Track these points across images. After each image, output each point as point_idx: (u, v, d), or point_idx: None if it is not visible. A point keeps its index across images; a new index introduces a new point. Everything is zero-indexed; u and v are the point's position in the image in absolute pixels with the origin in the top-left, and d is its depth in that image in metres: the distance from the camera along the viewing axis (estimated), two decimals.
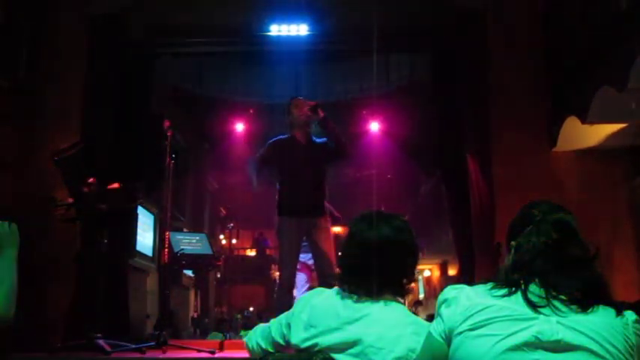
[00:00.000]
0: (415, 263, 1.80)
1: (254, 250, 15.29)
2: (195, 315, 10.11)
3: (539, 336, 1.31)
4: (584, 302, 1.34)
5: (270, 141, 4.47)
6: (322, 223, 4.20)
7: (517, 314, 1.34)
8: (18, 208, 4.53)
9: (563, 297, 1.35)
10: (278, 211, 4.32)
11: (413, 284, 1.82)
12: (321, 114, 4.26)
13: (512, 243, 1.49)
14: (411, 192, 12.46)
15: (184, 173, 9.41)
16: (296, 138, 4.37)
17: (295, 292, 4.54)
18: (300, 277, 5.10)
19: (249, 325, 8.12)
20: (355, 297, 1.71)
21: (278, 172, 4.39)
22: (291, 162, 4.30)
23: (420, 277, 16.38)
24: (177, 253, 6.22)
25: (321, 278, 4.33)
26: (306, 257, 4.77)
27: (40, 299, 4.61)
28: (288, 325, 1.76)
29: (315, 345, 1.66)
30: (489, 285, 1.43)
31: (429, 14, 5.56)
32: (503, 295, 1.39)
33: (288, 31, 5.71)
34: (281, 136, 4.47)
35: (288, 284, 4.24)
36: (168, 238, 4.15)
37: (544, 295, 1.36)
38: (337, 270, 1.83)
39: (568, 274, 1.38)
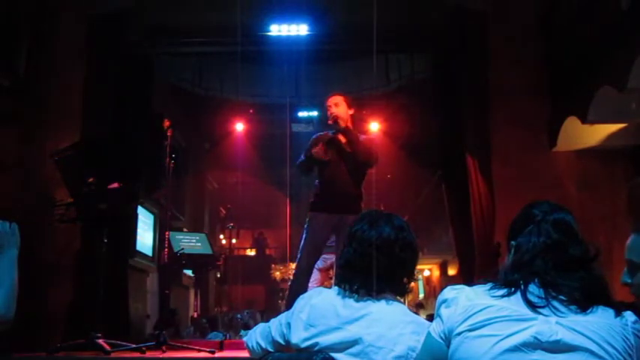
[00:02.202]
0: (415, 262, 1.81)
1: (254, 250, 15.31)
2: (195, 315, 10.12)
3: (538, 336, 1.30)
4: (583, 303, 1.34)
5: (314, 137, 4.32)
6: (351, 220, 4.08)
7: (516, 315, 1.34)
8: (18, 208, 4.53)
9: (562, 297, 1.35)
10: (311, 206, 4.21)
11: (413, 284, 1.82)
12: (340, 125, 4.07)
13: (513, 243, 1.49)
14: (411, 192, 12.46)
15: (184, 173, 9.43)
16: (337, 135, 4.20)
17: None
18: (315, 276, 5.07)
19: (249, 325, 8.12)
20: (355, 296, 1.71)
21: (318, 168, 4.24)
22: (330, 159, 4.12)
23: (420, 277, 16.39)
24: (177, 253, 6.22)
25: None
26: (327, 258, 4.75)
27: (40, 299, 4.61)
28: (288, 325, 1.76)
29: (315, 344, 1.66)
30: (489, 285, 1.43)
31: (429, 14, 5.56)
32: (503, 296, 1.38)
33: (288, 31, 5.71)
34: (326, 132, 4.30)
35: (305, 272, 4.15)
36: (168, 238, 4.14)
37: (543, 296, 1.35)
38: (337, 270, 1.84)
39: (568, 274, 1.38)
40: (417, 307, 13.49)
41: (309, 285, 4.82)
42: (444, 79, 5.73)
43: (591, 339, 1.29)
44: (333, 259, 4.56)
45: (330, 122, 4.12)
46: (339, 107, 4.11)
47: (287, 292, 4.41)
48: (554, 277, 1.37)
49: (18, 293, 1.87)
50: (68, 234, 4.73)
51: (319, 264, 5.13)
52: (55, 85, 5.25)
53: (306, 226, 4.21)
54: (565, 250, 1.40)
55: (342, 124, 4.07)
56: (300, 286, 4.05)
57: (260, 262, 14.12)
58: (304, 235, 4.18)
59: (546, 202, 1.50)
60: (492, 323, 1.34)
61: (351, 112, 4.14)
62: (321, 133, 4.32)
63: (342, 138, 4.14)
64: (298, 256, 4.23)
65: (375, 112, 8.78)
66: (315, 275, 5.25)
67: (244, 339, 1.97)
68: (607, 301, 1.36)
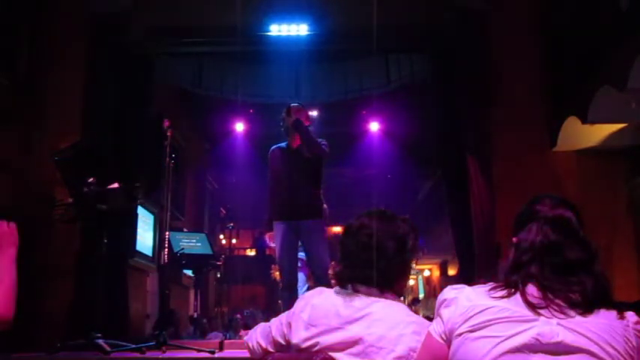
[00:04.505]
0: (415, 258, 1.81)
1: (254, 250, 15.30)
2: (195, 315, 10.10)
3: (539, 338, 1.29)
4: (583, 305, 1.33)
5: (270, 150, 4.57)
6: (312, 225, 4.24)
7: (517, 316, 1.33)
8: (18, 208, 4.53)
9: (560, 301, 1.34)
10: (272, 216, 4.37)
11: (412, 283, 1.82)
12: (293, 117, 4.30)
13: (514, 240, 1.48)
14: (411, 192, 12.47)
15: (184, 173, 9.43)
16: (288, 144, 4.41)
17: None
18: (300, 276, 5.13)
19: (249, 325, 8.11)
20: (356, 296, 1.71)
21: (271, 178, 4.44)
22: (282, 167, 4.35)
23: (419, 277, 16.40)
24: (177, 253, 6.22)
25: (314, 279, 4.37)
26: (305, 256, 4.81)
27: (40, 299, 4.61)
28: (289, 325, 1.76)
29: (316, 344, 1.66)
30: (489, 286, 1.42)
31: (429, 14, 5.55)
32: (502, 297, 1.37)
33: (288, 31, 5.70)
34: (279, 144, 4.52)
35: (290, 285, 4.27)
36: (168, 238, 4.14)
37: (542, 297, 1.35)
38: (336, 269, 1.83)
39: (565, 278, 1.36)
40: (414, 302, 13.49)
41: (305, 286, 4.88)
42: (444, 79, 5.73)
43: (593, 340, 1.28)
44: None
45: (283, 115, 4.38)
46: (299, 112, 4.39)
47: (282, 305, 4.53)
48: (552, 281, 1.36)
49: (18, 293, 1.86)
50: (68, 234, 4.73)
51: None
52: (55, 85, 5.25)
53: (275, 238, 4.34)
54: (562, 252, 1.38)
55: (294, 117, 4.30)
56: (292, 295, 4.11)
57: (260, 262, 14.12)
58: (276, 248, 4.32)
59: (549, 197, 1.48)
60: (493, 324, 1.33)
61: (307, 123, 4.38)
62: (274, 146, 4.54)
63: (294, 142, 4.33)
64: (279, 266, 4.35)
65: (375, 112, 8.78)
66: (302, 278, 5.31)
67: (244, 339, 1.97)
68: (608, 302, 1.35)
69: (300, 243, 4.38)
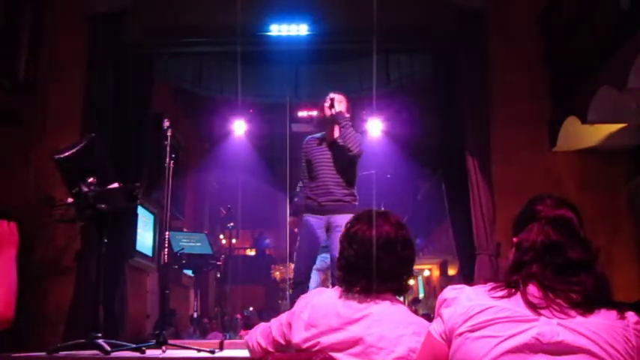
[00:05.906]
0: (414, 258, 1.81)
1: (254, 250, 15.33)
2: (195, 315, 10.12)
3: (539, 338, 1.29)
4: (584, 305, 1.33)
5: (305, 140, 4.44)
6: (340, 221, 4.12)
7: (518, 316, 1.33)
8: (18, 207, 4.53)
9: (561, 301, 1.34)
10: (301, 209, 4.27)
11: (412, 283, 1.82)
12: (336, 110, 4.14)
13: (515, 240, 1.48)
14: (411, 192, 12.47)
15: (184, 173, 9.43)
16: (326, 135, 4.30)
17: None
18: (315, 277, 5.07)
19: (249, 325, 8.12)
20: (356, 297, 1.71)
21: (306, 170, 4.33)
22: (317, 159, 4.23)
23: (420, 277, 16.40)
24: (177, 252, 6.23)
25: (332, 278, 4.30)
26: (325, 258, 4.77)
27: (40, 299, 4.61)
28: (289, 325, 1.76)
29: (317, 344, 1.66)
30: (489, 285, 1.42)
31: (429, 14, 5.56)
32: (503, 297, 1.38)
33: (288, 31, 5.70)
34: (315, 135, 4.42)
35: (300, 282, 4.17)
36: (168, 238, 4.14)
37: (543, 297, 1.35)
38: (337, 270, 1.83)
39: (566, 277, 1.36)
40: (414, 302, 13.51)
41: (311, 287, 4.83)
42: (444, 79, 5.73)
43: (593, 340, 1.28)
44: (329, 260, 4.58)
45: (325, 104, 4.19)
46: (341, 103, 4.21)
47: (288, 299, 4.46)
48: (553, 281, 1.36)
49: (18, 293, 1.86)
50: (68, 234, 4.73)
51: (318, 265, 5.15)
52: (55, 85, 5.26)
53: (298, 230, 4.26)
54: (564, 252, 1.38)
55: (337, 108, 4.14)
56: (300, 292, 4.06)
57: (260, 262, 14.14)
58: (298, 239, 4.23)
59: (549, 197, 1.48)
60: (493, 324, 1.33)
61: (347, 114, 4.20)
62: (310, 136, 4.41)
63: (332, 134, 4.20)
64: (295, 260, 4.27)
65: (375, 112, 8.77)
66: (315, 277, 5.26)
67: (245, 339, 1.97)
68: (608, 302, 1.35)
69: (324, 242, 4.29)
